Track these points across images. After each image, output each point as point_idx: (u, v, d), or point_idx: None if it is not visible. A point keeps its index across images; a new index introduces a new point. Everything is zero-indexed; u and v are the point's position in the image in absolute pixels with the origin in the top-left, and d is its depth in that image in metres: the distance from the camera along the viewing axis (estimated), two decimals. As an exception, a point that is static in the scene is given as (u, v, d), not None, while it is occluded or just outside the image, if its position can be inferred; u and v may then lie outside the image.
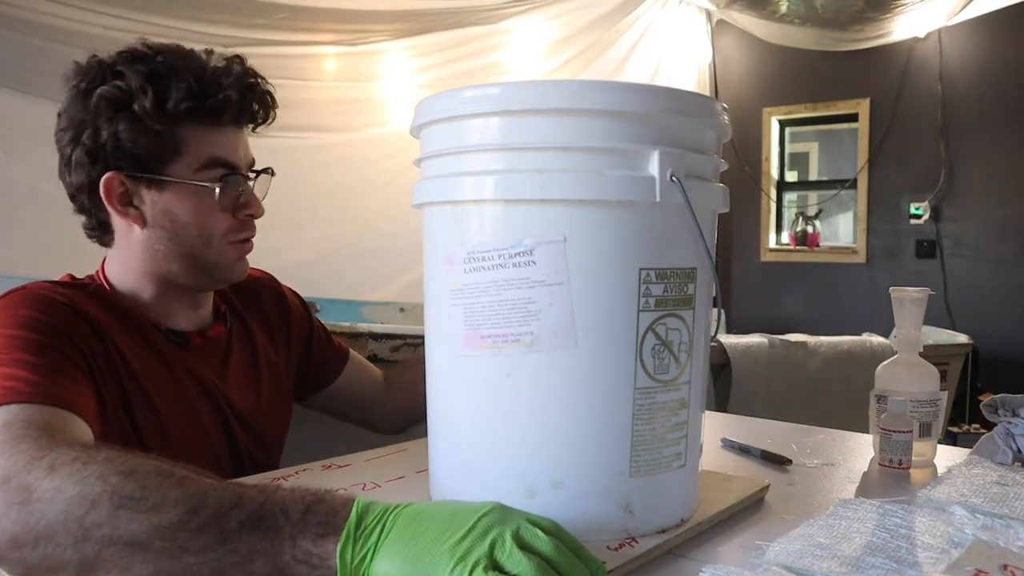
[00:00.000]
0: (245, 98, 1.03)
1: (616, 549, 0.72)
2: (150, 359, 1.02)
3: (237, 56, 1.05)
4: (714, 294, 0.82)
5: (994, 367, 4.29)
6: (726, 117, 0.81)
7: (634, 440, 0.74)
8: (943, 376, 3.71)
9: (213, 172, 1.01)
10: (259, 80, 1.06)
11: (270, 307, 1.22)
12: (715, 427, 1.28)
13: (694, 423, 0.80)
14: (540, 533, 0.61)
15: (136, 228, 1.02)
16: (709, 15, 5.34)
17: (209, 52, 1.04)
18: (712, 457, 1.11)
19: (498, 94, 0.74)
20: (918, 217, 4.72)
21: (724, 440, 1.18)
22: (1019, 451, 1.01)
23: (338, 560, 0.61)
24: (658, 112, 0.73)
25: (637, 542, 0.74)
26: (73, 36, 2.81)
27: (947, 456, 1.11)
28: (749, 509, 0.89)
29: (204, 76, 1.00)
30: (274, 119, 1.10)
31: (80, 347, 0.91)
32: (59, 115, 1.01)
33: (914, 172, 4.75)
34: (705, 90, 5.32)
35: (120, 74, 0.97)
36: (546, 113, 0.72)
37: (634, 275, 0.73)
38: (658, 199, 0.72)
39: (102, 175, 0.99)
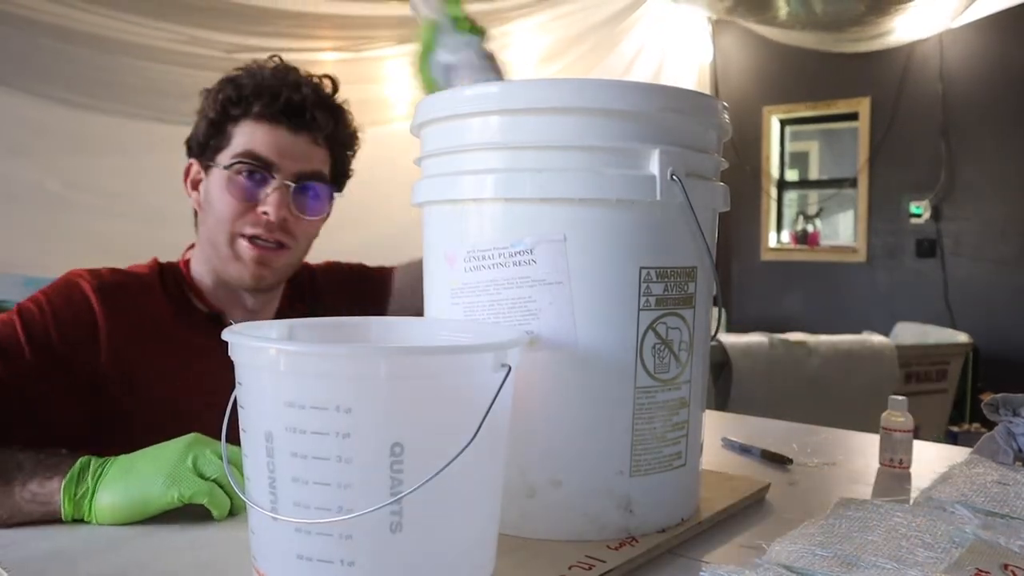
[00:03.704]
0: (295, 100, 1.09)
1: (616, 548, 0.72)
2: (175, 352, 1.08)
3: (305, 73, 1.14)
4: (714, 293, 0.82)
5: (995, 366, 4.29)
6: (726, 116, 0.81)
7: (634, 439, 0.74)
8: (943, 375, 3.71)
9: (244, 163, 1.08)
10: (318, 88, 1.13)
11: (334, 298, 1.27)
12: (715, 426, 1.28)
13: (694, 422, 0.80)
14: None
15: (200, 212, 1.14)
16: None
17: (285, 65, 1.14)
18: (712, 456, 1.11)
19: (498, 93, 0.74)
20: (918, 216, 4.72)
21: (724, 439, 1.18)
22: (1020, 450, 1.01)
23: (62, 495, 0.78)
24: (658, 111, 0.73)
25: (637, 541, 0.74)
26: (81, 38, 2.81)
27: (948, 456, 1.11)
28: (749, 509, 0.89)
29: (264, 78, 1.10)
30: (351, 135, 1.19)
31: (61, 343, 1.00)
32: None
33: (914, 171, 4.75)
34: (705, 89, 5.32)
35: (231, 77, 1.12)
36: (546, 112, 0.72)
37: (634, 274, 0.73)
38: (658, 198, 0.72)
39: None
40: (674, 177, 0.72)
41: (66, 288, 1.05)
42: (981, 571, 0.66)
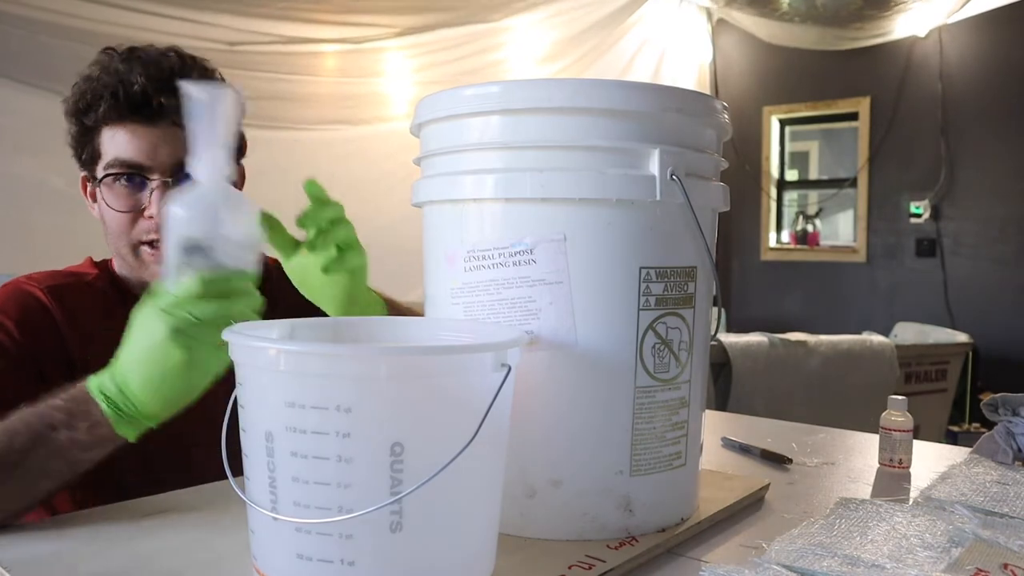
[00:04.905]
0: (135, 93, 1.00)
1: (616, 548, 0.72)
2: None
3: (146, 48, 1.04)
4: (714, 293, 0.82)
5: (994, 366, 4.29)
6: (726, 116, 0.81)
7: (634, 439, 0.74)
8: (943, 375, 3.71)
9: (115, 173, 1.02)
10: (154, 71, 1.01)
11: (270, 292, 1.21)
12: (715, 426, 1.28)
13: (694, 422, 0.80)
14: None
15: (102, 224, 1.09)
16: (709, 14, 5.33)
17: (115, 56, 1.04)
18: (712, 456, 1.11)
19: (498, 93, 0.74)
20: (918, 216, 4.72)
21: (724, 439, 1.18)
22: (1019, 450, 1.01)
23: (122, 434, 0.76)
24: (658, 111, 0.73)
25: (637, 541, 0.74)
26: (79, 32, 2.81)
27: (948, 456, 1.11)
28: (749, 508, 0.89)
29: (102, 78, 1.02)
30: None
31: (29, 345, 0.98)
32: None
33: (914, 171, 4.75)
34: (705, 89, 5.32)
35: (75, 84, 1.05)
36: (546, 112, 0.72)
37: (634, 274, 0.73)
38: (658, 198, 0.72)
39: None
40: (674, 177, 0.72)
41: (15, 295, 1.01)
42: (981, 570, 0.66)
